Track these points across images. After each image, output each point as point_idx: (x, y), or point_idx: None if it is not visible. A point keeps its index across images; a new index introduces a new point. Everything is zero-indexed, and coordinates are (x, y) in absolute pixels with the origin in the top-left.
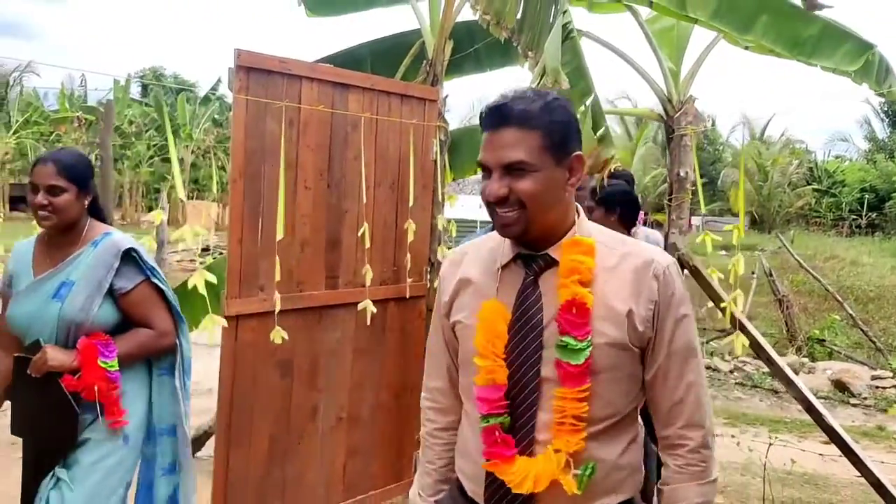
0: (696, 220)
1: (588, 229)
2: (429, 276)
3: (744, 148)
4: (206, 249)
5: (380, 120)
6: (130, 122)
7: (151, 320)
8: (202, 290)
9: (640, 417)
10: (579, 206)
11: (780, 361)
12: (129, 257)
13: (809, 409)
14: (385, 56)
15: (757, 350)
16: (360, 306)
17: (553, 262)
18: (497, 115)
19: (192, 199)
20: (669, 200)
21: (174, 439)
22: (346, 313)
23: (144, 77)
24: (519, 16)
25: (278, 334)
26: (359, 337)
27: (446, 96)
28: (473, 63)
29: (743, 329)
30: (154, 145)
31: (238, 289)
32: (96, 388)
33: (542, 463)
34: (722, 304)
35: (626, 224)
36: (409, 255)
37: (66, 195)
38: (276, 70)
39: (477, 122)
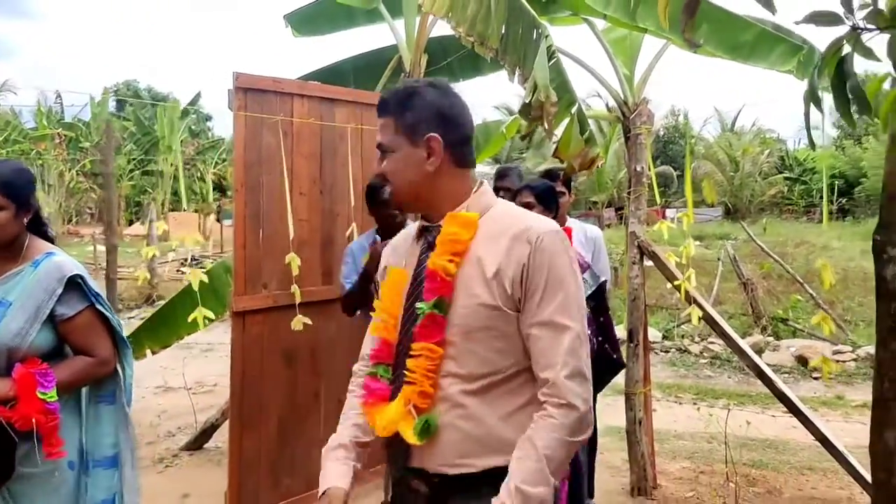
0: (670, 213)
1: (481, 204)
2: None
3: (689, 137)
4: (195, 259)
5: (364, 129)
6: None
7: (91, 348)
8: (195, 287)
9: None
10: (485, 181)
11: (732, 333)
12: (74, 283)
13: (760, 374)
14: (365, 70)
15: (711, 324)
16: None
17: None
18: (377, 107)
19: (173, 210)
20: (628, 193)
21: (113, 471)
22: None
23: (119, 92)
24: (502, 33)
25: (299, 321)
26: (352, 326)
27: None
28: (447, 74)
29: (697, 304)
30: (133, 159)
31: (244, 287)
32: (34, 419)
33: (391, 411)
34: (676, 283)
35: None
36: None
37: (2, 213)
38: (269, 89)
39: None
